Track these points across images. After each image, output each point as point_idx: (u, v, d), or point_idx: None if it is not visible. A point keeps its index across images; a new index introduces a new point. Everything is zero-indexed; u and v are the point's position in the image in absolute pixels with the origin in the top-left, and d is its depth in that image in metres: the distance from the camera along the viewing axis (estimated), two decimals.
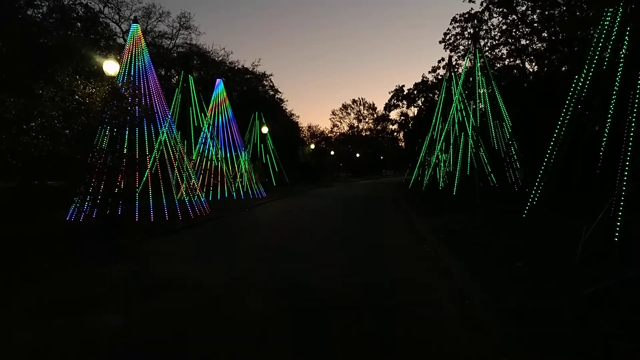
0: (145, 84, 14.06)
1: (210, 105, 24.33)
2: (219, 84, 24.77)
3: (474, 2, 28.85)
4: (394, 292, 5.79)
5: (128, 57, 14.12)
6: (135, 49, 14.26)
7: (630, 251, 6.38)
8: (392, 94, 66.02)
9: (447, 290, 5.75)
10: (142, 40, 14.58)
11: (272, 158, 36.70)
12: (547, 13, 25.80)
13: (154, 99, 14.13)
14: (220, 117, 24.20)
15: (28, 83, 9.40)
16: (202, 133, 23.44)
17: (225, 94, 24.75)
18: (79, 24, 25.04)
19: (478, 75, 21.78)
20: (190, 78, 24.46)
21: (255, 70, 45.89)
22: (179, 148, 14.94)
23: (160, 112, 14.38)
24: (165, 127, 14.36)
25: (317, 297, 5.61)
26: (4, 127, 8.06)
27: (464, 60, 28.51)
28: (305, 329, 4.53)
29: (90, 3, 28.36)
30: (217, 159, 23.36)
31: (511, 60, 31.01)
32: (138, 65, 14.07)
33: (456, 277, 6.12)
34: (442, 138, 25.66)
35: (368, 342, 4.16)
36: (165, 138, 14.37)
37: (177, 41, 38.74)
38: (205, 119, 23.57)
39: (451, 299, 5.36)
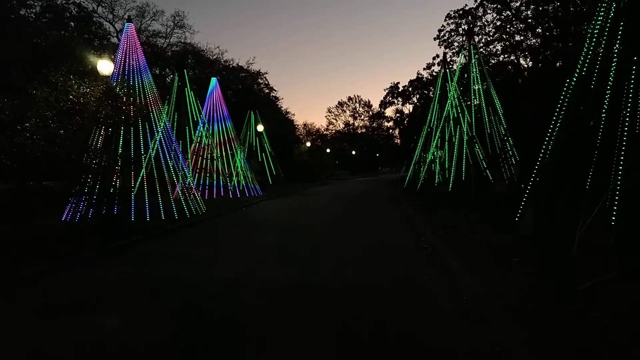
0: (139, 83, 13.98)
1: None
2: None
3: None
4: (394, 289, 5.81)
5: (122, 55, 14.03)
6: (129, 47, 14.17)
7: (626, 245, 6.43)
8: (387, 91, 66.16)
9: (446, 286, 5.78)
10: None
11: (268, 156, 36.63)
12: (541, 9, 25.94)
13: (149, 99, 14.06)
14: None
15: (22, 83, 9.35)
16: (197, 132, 23.33)
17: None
18: (72, 23, 24.93)
19: (474, 72, 21.82)
20: (187, 77, 24.31)
21: (250, 68, 45.85)
22: (174, 147, 14.89)
23: (156, 112, 14.31)
24: (160, 126, 14.30)
25: (317, 296, 5.62)
26: None
27: (458, 57, 28.61)
28: (307, 329, 4.54)
29: (84, 2, 28.26)
30: (212, 157, 23.28)
31: (506, 56, 31.15)
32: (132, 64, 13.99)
33: (454, 273, 6.16)
34: (437, 135, 25.69)
35: (368, 338, 4.19)
36: (160, 138, 14.30)
37: (171, 40, 38.66)
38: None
39: (450, 295, 5.39)
